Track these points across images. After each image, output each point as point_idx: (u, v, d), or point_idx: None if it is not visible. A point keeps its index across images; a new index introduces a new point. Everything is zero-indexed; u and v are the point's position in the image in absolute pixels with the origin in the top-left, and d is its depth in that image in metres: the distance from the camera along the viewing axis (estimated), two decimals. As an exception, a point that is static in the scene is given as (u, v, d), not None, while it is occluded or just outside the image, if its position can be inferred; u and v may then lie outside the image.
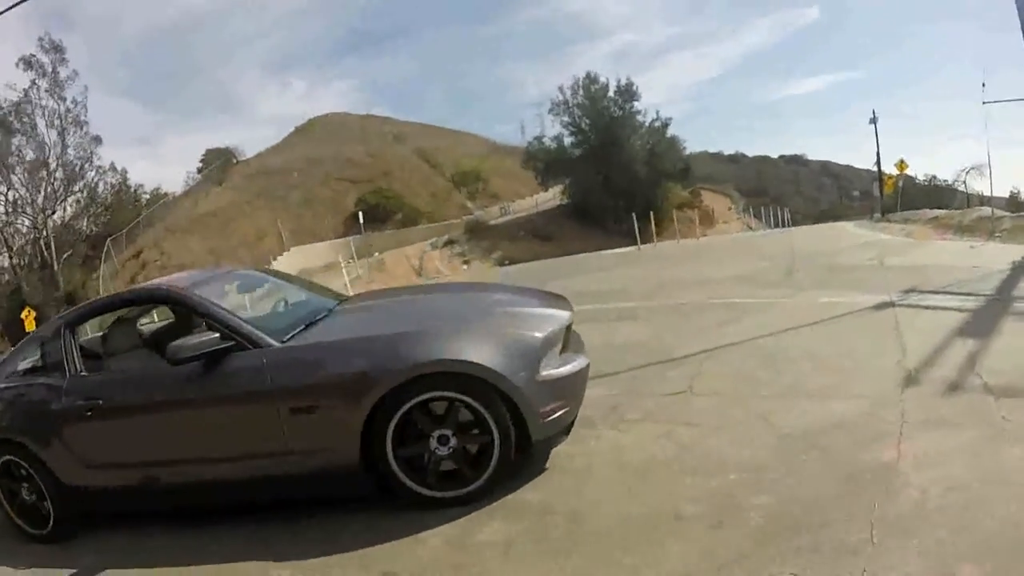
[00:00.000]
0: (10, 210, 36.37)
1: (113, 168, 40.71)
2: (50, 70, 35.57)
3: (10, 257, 36.79)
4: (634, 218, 20.01)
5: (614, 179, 33.76)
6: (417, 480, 3.11)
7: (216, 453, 3.35)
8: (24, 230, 37.28)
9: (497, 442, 3.06)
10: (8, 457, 3.75)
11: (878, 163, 30.71)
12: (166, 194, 43.83)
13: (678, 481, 2.95)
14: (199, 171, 49.02)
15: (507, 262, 24.32)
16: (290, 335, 3.41)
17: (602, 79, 35.93)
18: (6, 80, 38.14)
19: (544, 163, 36.63)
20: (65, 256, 36.16)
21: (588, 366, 3.46)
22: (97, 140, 38.16)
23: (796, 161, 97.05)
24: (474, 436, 3.11)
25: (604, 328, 6.56)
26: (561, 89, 36.72)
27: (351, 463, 3.08)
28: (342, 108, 65.21)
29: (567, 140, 36.64)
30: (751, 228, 36.22)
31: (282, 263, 29.60)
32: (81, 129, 37.14)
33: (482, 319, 3.51)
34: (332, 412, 3.09)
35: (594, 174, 34.64)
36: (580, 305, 7.71)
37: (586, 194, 35.34)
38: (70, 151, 37.13)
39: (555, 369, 3.21)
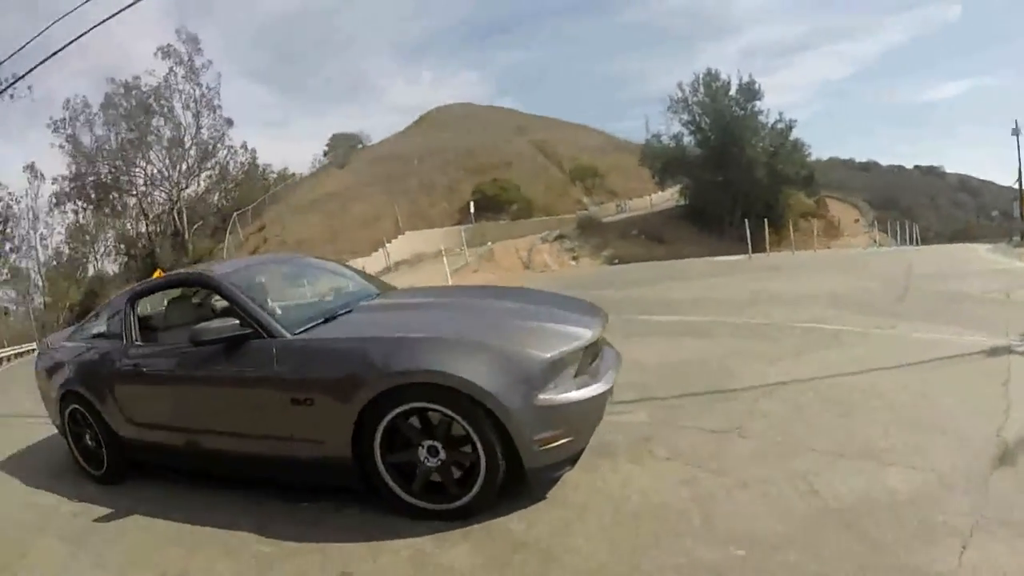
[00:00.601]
0: (149, 183, 41.06)
1: (244, 148, 45.67)
2: (186, 59, 39.88)
3: (147, 224, 40.82)
4: (747, 225, 18.50)
5: (733, 182, 32.06)
6: (403, 486, 3.11)
7: (227, 428, 3.63)
8: (161, 201, 41.60)
9: (483, 463, 2.93)
10: (75, 406, 4.41)
11: (1020, 180, 27.19)
12: (292, 174, 47.14)
13: (674, 543, 2.52)
14: (325, 154, 52.08)
15: (616, 261, 23.64)
16: (303, 328, 3.52)
17: (723, 76, 34.15)
18: (146, 67, 42.34)
19: (661, 162, 35.12)
20: (196, 226, 40.17)
21: (606, 392, 3.13)
22: (229, 122, 43.01)
23: (932, 173, 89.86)
24: (463, 453, 2.99)
25: (668, 343, 6.14)
26: (680, 86, 35.10)
27: (343, 458, 3.14)
28: (467, 98, 66.46)
29: (686, 139, 35.10)
30: (877, 243, 33.03)
31: (395, 246, 30.60)
32: (214, 112, 41.85)
33: (491, 331, 3.26)
34: (326, 408, 3.15)
35: (712, 176, 33.07)
36: (655, 315, 7.54)
37: (703, 196, 33.66)
38: (204, 132, 41.72)
39: (560, 394, 2.95)
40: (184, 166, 41.35)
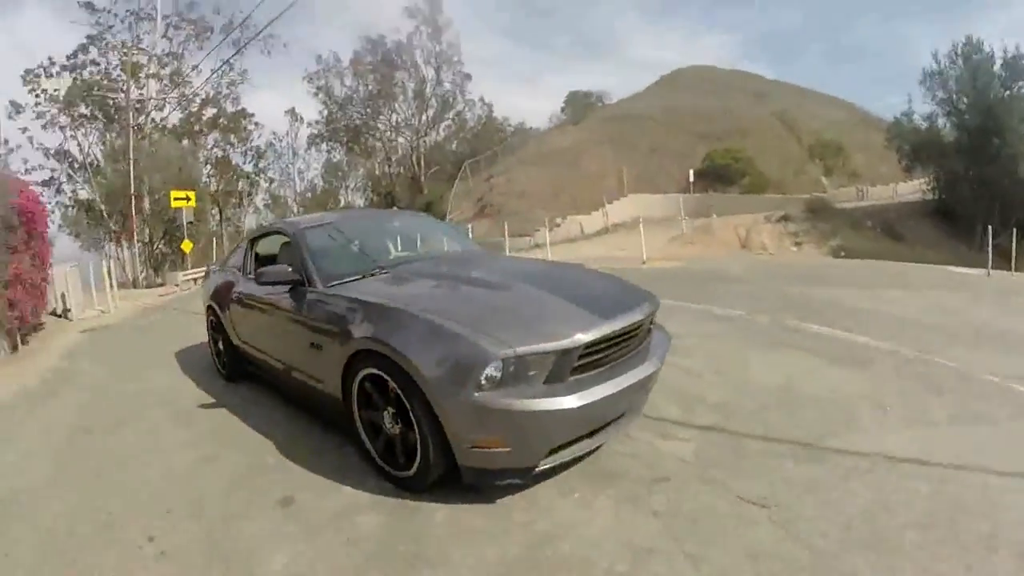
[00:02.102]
0: (393, 129, 46.10)
1: (482, 101, 49.64)
2: (429, 17, 43.18)
3: (389, 166, 45.71)
4: (990, 234, 14.33)
5: (991, 179, 25.44)
6: (372, 442, 3.43)
7: (280, 355, 4.47)
8: (403, 146, 46.50)
9: (419, 443, 3.02)
10: (212, 317, 5.96)
11: None
12: (528, 128, 48.99)
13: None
14: (562, 110, 53.10)
15: (842, 253, 20.95)
16: (337, 283, 3.95)
17: (986, 47, 26.65)
18: (392, 25, 47.18)
19: (910, 145, 29.03)
20: (432, 171, 44.37)
21: (563, 411, 2.78)
22: (468, 77, 46.37)
23: None
24: (409, 428, 3.11)
25: (810, 366, 5.30)
26: (935, 56, 27.76)
27: (337, 400, 3.59)
28: (712, 61, 62.09)
29: (940, 121, 28.45)
30: None
31: (616, 207, 30.35)
32: (453, 68, 45.05)
33: (467, 314, 3.12)
34: (327, 354, 3.63)
35: (966, 168, 26.52)
36: (820, 326, 6.73)
37: (954, 192, 27.17)
38: (446, 85, 45.38)
39: (503, 398, 2.74)
40: (425, 116, 45.41)
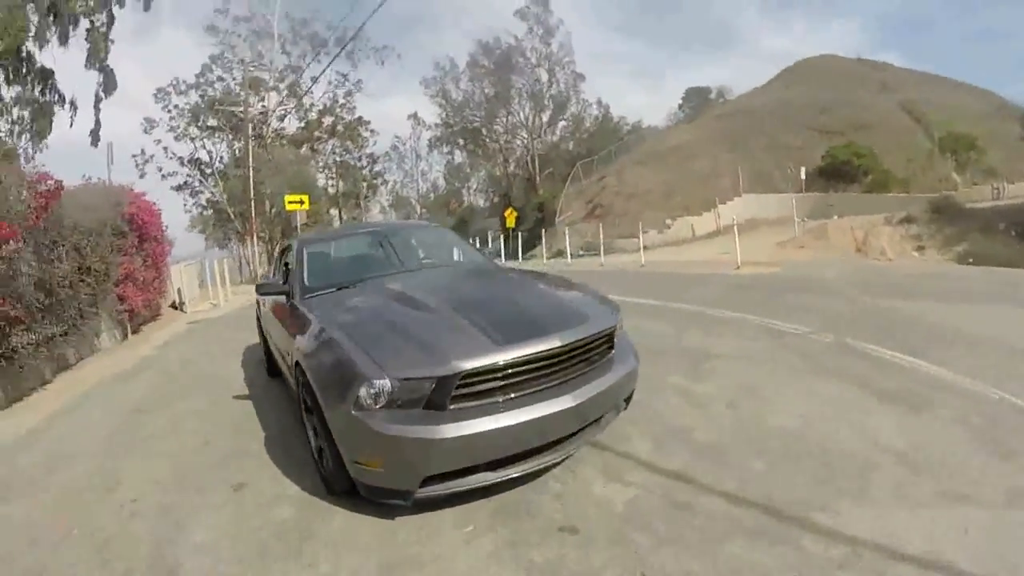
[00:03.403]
0: (509, 131, 46.25)
1: (599, 103, 49.14)
2: (540, 20, 43.39)
3: (506, 167, 45.84)
4: None
5: None
6: (312, 444, 3.52)
7: (279, 357, 4.83)
8: (519, 147, 46.33)
9: (320, 450, 3.27)
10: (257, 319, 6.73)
11: None
12: (645, 127, 47.94)
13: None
14: (680, 107, 51.47)
15: (970, 260, 18.71)
16: (310, 295, 4.21)
17: None
18: (505, 28, 46.93)
19: None
20: (547, 172, 43.49)
21: (430, 441, 2.70)
22: (580, 77, 45.99)
23: None
24: None
25: (852, 403, 4.32)
26: None
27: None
28: (836, 50, 56.97)
29: None
30: None
31: (729, 208, 28.97)
32: (566, 68, 44.85)
33: (376, 332, 3.20)
34: (290, 360, 3.86)
35: None
36: (892, 349, 5.65)
37: None
38: (559, 85, 45.17)
39: (379, 420, 2.77)
40: (539, 118, 45.46)
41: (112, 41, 18.60)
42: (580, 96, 47.00)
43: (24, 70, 16.20)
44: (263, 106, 34.28)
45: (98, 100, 19.45)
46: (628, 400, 3.62)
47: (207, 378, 6.67)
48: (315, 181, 36.79)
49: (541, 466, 3.00)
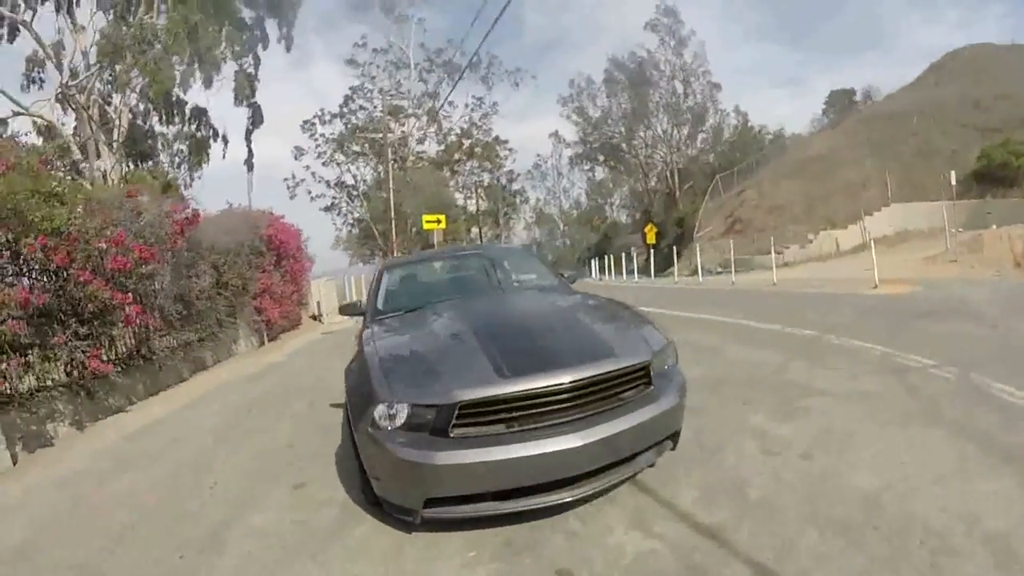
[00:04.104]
0: (647, 146, 45.63)
1: (736, 111, 47.24)
2: (672, 30, 42.54)
3: (646, 183, 44.97)
4: None
5: None
6: None
7: None
8: (658, 163, 45.15)
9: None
10: None
11: None
12: (786, 136, 45.61)
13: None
14: (823, 112, 48.31)
15: None
16: (380, 317, 4.54)
17: None
18: (639, 42, 47.18)
19: None
20: (687, 186, 42.33)
21: (425, 465, 2.77)
22: (717, 87, 44.64)
23: None
24: None
25: (955, 464, 3.36)
26: None
27: None
28: (991, 38, 49.23)
29: None
30: None
31: (877, 220, 26.78)
32: (701, 79, 43.79)
33: (404, 357, 3.44)
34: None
35: None
36: (1016, 390, 4.49)
37: None
38: (694, 97, 44.03)
39: (387, 438, 2.91)
40: (676, 131, 44.39)
41: (258, 80, 21.18)
42: (718, 106, 45.72)
43: (175, 111, 18.73)
44: (403, 131, 36.72)
45: (248, 133, 22.14)
46: (674, 439, 3.37)
47: (316, 385, 7.16)
48: (453, 201, 38.63)
49: (551, 503, 2.89)
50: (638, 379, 3.20)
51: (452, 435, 2.83)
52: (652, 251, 33.99)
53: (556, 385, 2.88)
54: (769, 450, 3.83)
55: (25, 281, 5.64)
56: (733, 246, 25.32)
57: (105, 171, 15.82)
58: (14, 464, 5.20)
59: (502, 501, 2.87)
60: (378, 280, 5.21)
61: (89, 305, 6.01)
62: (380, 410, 2.94)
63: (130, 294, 6.45)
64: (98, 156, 16.17)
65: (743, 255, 24.81)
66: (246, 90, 19.42)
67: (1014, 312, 8.11)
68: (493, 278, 5.25)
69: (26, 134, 14.77)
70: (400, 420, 2.90)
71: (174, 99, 18.39)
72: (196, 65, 16.65)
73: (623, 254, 34.62)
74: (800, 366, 5.93)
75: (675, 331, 8.76)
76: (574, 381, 2.91)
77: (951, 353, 5.82)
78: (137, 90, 16.61)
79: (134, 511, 3.85)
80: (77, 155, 16.03)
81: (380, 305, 4.79)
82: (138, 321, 6.65)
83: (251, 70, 20.33)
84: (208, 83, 17.56)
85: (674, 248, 27.93)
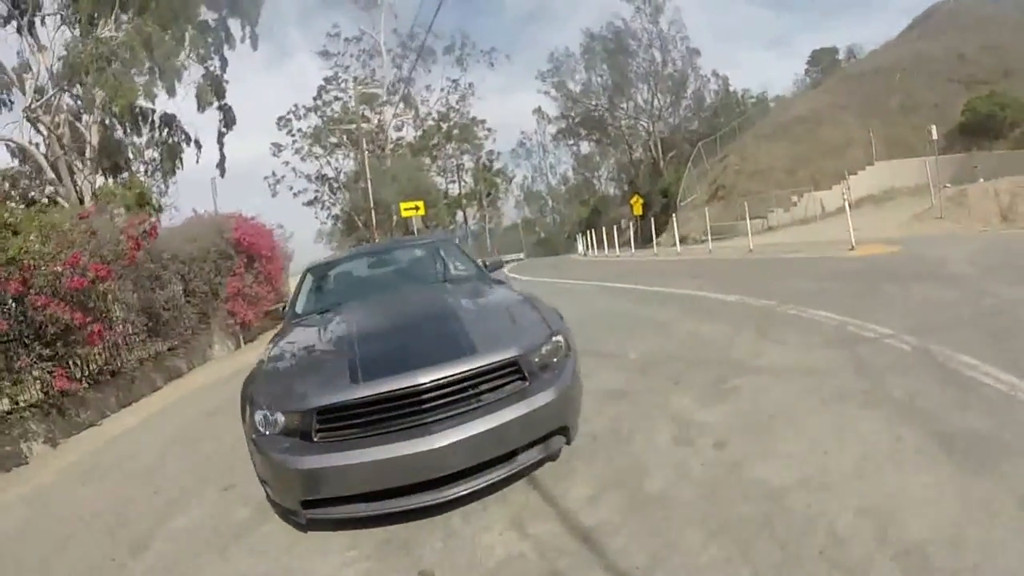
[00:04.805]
0: (629, 117, 45.58)
1: (715, 75, 46.78)
2: None
3: (630, 154, 45.06)
4: None
5: None
6: None
7: None
8: (642, 132, 45.04)
9: None
10: None
11: None
12: (769, 98, 45.55)
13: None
14: (805, 72, 48.10)
15: None
16: (296, 320, 4.79)
17: None
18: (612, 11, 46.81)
19: None
20: (671, 155, 42.12)
21: (286, 469, 3.01)
22: (695, 52, 44.48)
23: None
24: None
25: (886, 454, 3.11)
26: None
27: None
28: None
29: None
30: None
31: (861, 179, 27.03)
32: (679, 46, 43.71)
33: (290, 366, 3.73)
34: None
35: None
36: (1001, 367, 4.08)
37: None
38: (676, 64, 43.94)
39: (263, 441, 3.16)
40: (657, 100, 44.28)
41: (227, 82, 21.33)
42: (698, 72, 45.57)
43: (143, 121, 18.97)
44: (379, 119, 36.81)
45: (220, 136, 22.29)
46: (565, 435, 3.33)
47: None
48: (433, 186, 38.77)
49: (422, 505, 2.97)
50: (508, 376, 3.19)
51: (316, 440, 2.98)
52: (640, 222, 34.06)
53: (411, 387, 2.96)
54: (683, 438, 3.69)
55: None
56: (717, 213, 25.48)
57: (80, 188, 16.12)
58: None
59: (373, 503, 2.98)
60: (300, 282, 5.46)
61: (50, 327, 6.34)
62: (259, 416, 3.14)
63: (90, 313, 6.74)
64: (71, 173, 16.48)
65: (727, 221, 24.98)
66: (208, 96, 19.54)
67: (993, 271, 7.90)
68: (410, 273, 5.52)
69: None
70: (279, 426, 3.08)
71: (139, 110, 18.65)
72: (158, 75, 16.77)
73: (614, 227, 34.73)
74: (746, 340, 5.89)
75: (633, 306, 9.15)
76: (432, 381, 2.97)
77: (914, 321, 5.63)
78: (102, 106, 16.79)
79: (82, 521, 4.18)
80: (50, 174, 16.39)
81: (298, 308, 5.04)
82: (99, 339, 6.92)
83: (219, 72, 20.50)
84: (171, 92, 17.78)
85: (660, 218, 28.08)
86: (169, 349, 9.18)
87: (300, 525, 3.21)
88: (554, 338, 3.45)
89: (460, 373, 3.05)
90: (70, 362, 6.84)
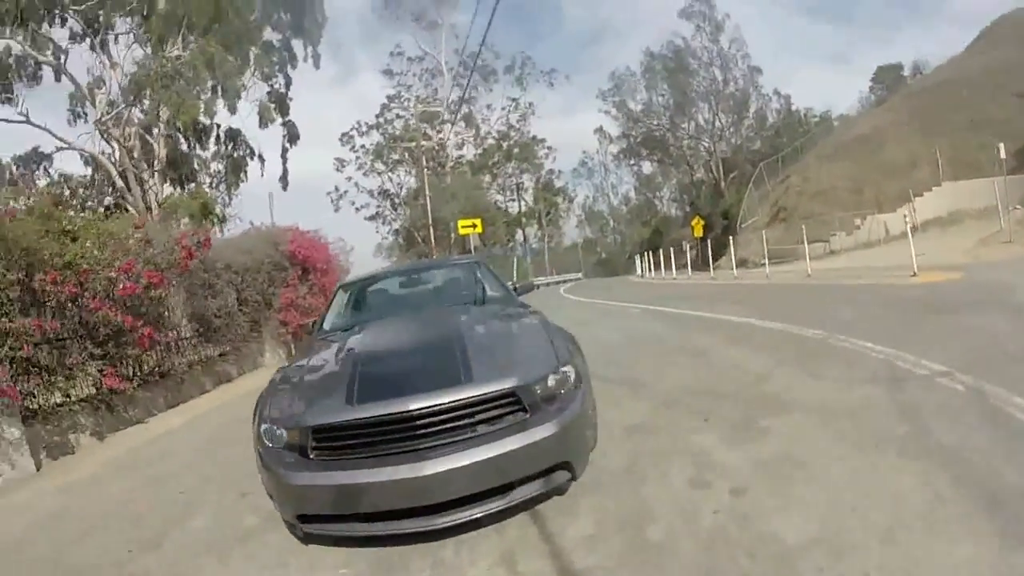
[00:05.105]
0: (691, 137, 44.87)
1: (777, 94, 45.81)
2: (707, 16, 41.94)
3: (691, 175, 44.25)
4: None
5: None
6: None
7: None
8: (703, 153, 44.40)
9: None
10: None
11: None
12: (833, 117, 44.58)
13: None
14: (870, 90, 46.42)
15: None
16: (320, 336, 4.87)
17: None
18: (672, 30, 45.43)
19: None
20: (732, 176, 41.16)
21: (282, 484, 3.04)
22: (757, 71, 43.48)
23: None
24: None
25: (923, 508, 2.74)
26: None
27: None
28: None
29: None
30: None
31: (928, 201, 25.72)
32: (740, 64, 43.00)
33: (301, 383, 3.67)
34: None
35: None
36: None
37: None
38: (735, 83, 43.04)
39: (269, 453, 3.19)
40: (718, 120, 43.52)
41: (290, 99, 22.23)
42: (760, 91, 44.66)
43: (205, 136, 19.99)
44: (440, 137, 37.42)
45: (284, 151, 23.29)
46: (571, 471, 3.15)
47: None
48: (491, 204, 39.10)
49: (415, 530, 2.94)
50: (507, 406, 3.07)
51: (312, 457, 3.01)
52: (700, 244, 33.32)
53: (403, 412, 2.93)
54: (701, 481, 3.40)
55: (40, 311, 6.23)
56: (779, 235, 24.66)
57: (147, 196, 17.06)
58: (37, 470, 5.90)
59: (370, 523, 2.96)
60: (331, 299, 5.57)
61: (102, 329, 6.62)
62: (264, 429, 3.20)
63: (141, 317, 7.03)
64: (140, 183, 17.46)
65: (788, 244, 24.11)
66: (271, 113, 20.48)
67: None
68: (435, 295, 5.56)
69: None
70: (283, 441, 3.11)
71: (202, 126, 19.70)
72: (220, 93, 17.61)
73: (676, 248, 33.93)
74: (786, 374, 5.46)
75: (676, 331, 8.85)
76: (424, 408, 2.93)
77: (972, 356, 5.07)
78: (168, 121, 17.75)
79: (109, 514, 4.40)
80: (119, 183, 17.41)
81: (325, 324, 5.11)
82: (149, 342, 7.20)
83: (283, 90, 21.39)
84: (233, 109, 18.74)
85: (721, 240, 27.39)
86: (220, 355, 9.54)
87: (307, 537, 3.21)
88: (562, 369, 3.27)
89: (454, 402, 2.97)
90: (121, 362, 7.15)
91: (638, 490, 3.42)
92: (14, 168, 19.05)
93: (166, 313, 7.97)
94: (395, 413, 2.94)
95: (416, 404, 2.93)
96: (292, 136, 22.29)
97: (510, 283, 5.84)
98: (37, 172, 19.34)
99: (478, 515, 2.96)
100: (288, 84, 21.72)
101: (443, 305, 5.16)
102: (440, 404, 2.95)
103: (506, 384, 3.07)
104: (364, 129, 40.86)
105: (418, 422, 2.93)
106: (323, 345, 4.47)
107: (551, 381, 3.19)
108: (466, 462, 2.81)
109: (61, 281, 6.13)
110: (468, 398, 3.00)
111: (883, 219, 25.48)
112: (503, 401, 3.07)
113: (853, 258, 21.03)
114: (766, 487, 3.22)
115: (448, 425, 2.97)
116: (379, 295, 5.85)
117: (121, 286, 6.76)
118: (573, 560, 2.79)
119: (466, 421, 3.00)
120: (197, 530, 3.83)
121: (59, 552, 3.82)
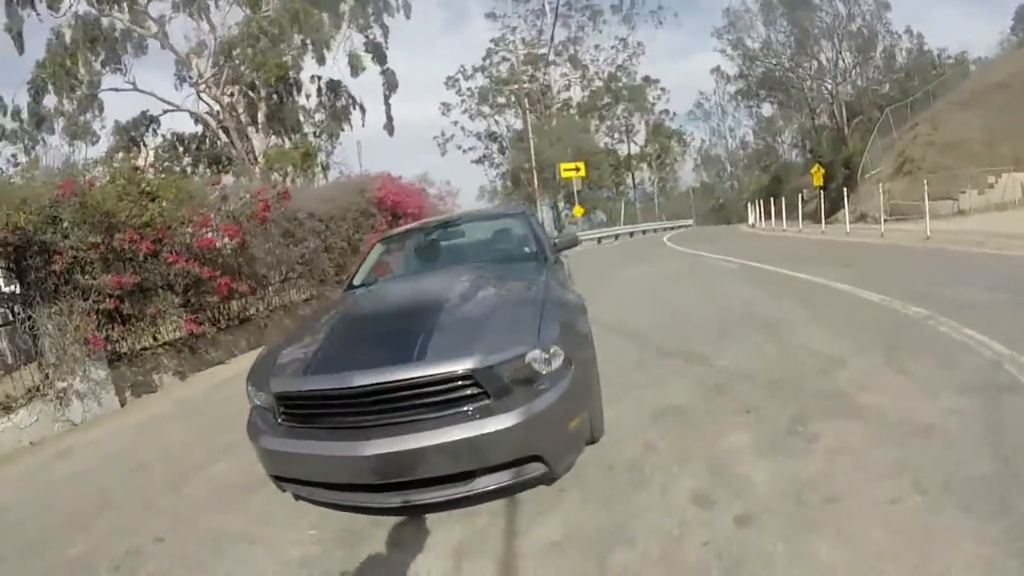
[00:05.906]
0: (812, 78, 40.13)
1: (908, 32, 40.50)
2: None
3: (813, 119, 40.20)
4: None
5: None
6: None
7: None
8: (826, 95, 40.09)
9: None
10: None
11: None
12: (970, 59, 38.32)
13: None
14: (1011, 31, 39.72)
15: None
16: (355, 287, 4.83)
17: None
18: None
19: None
20: (855, 121, 37.11)
21: (259, 447, 3.00)
22: (885, 6, 37.95)
23: None
24: None
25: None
26: None
27: None
28: None
29: None
30: None
31: None
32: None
33: (299, 343, 3.51)
34: None
35: None
36: None
37: None
38: (863, 19, 37.74)
39: (255, 412, 3.23)
40: (841, 60, 38.62)
41: (387, 48, 22.31)
42: (889, 29, 39.02)
43: (303, 89, 20.44)
44: (545, 79, 36.30)
45: (386, 98, 23.63)
46: (549, 465, 2.79)
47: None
48: (597, 148, 37.77)
49: (370, 504, 2.86)
50: (463, 388, 2.72)
51: (279, 422, 2.99)
52: (821, 194, 30.63)
53: (345, 388, 2.76)
54: (707, 497, 2.84)
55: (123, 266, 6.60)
56: (903, 189, 22.23)
57: (251, 148, 17.92)
58: (121, 406, 6.48)
59: (331, 492, 2.90)
60: (366, 253, 5.43)
61: (181, 280, 6.93)
62: (251, 389, 3.21)
63: (219, 267, 7.36)
64: (245, 137, 18.28)
65: (912, 200, 21.56)
66: (361, 63, 20.71)
67: None
68: (467, 251, 5.30)
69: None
70: (263, 401, 3.11)
71: (292, 80, 20.29)
72: (309, 46, 17.90)
73: (796, 196, 31.40)
74: (864, 364, 4.46)
75: (758, 296, 8.02)
76: (366, 386, 2.71)
77: None
78: (263, 79, 18.36)
79: (160, 453, 4.76)
80: (223, 138, 18.39)
81: (356, 280, 5.01)
82: (226, 290, 7.48)
83: (380, 39, 21.51)
84: (321, 61, 18.96)
85: (841, 191, 25.01)
86: (305, 300, 9.80)
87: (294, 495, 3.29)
88: (541, 349, 2.82)
89: (399, 381, 2.70)
90: (201, 309, 7.51)
91: (631, 498, 2.97)
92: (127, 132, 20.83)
93: (244, 263, 8.22)
94: (337, 388, 2.81)
95: (359, 380, 2.73)
96: (392, 84, 22.58)
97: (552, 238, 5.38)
98: (146, 133, 20.98)
99: (433, 501, 2.76)
100: (386, 33, 21.96)
101: (466, 262, 4.73)
102: (383, 383, 2.71)
103: (462, 365, 2.71)
104: (469, 72, 40.78)
105: (362, 399, 2.75)
106: (335, 304, 4.40)
107: (527, 361, 2.78)
108: (410, 446, 2.58)
109: (139, 239, 6.48)
110: (414, 378, 2.71)
111: (1021, 178, 22.23)
112: (459, 383, 2.73)
113: (984, 220, 18.42)
114: (780, 523, 2.55)
115: (393, 405, 2.74)
116: (408, 250, 5.58)
117: (198, 239, 7.00)
118: (519, 570, 2.54)
119: (414, 403, 2.73)
120: (216, 476, 4.06)
121: (109, 488, 4.16)
